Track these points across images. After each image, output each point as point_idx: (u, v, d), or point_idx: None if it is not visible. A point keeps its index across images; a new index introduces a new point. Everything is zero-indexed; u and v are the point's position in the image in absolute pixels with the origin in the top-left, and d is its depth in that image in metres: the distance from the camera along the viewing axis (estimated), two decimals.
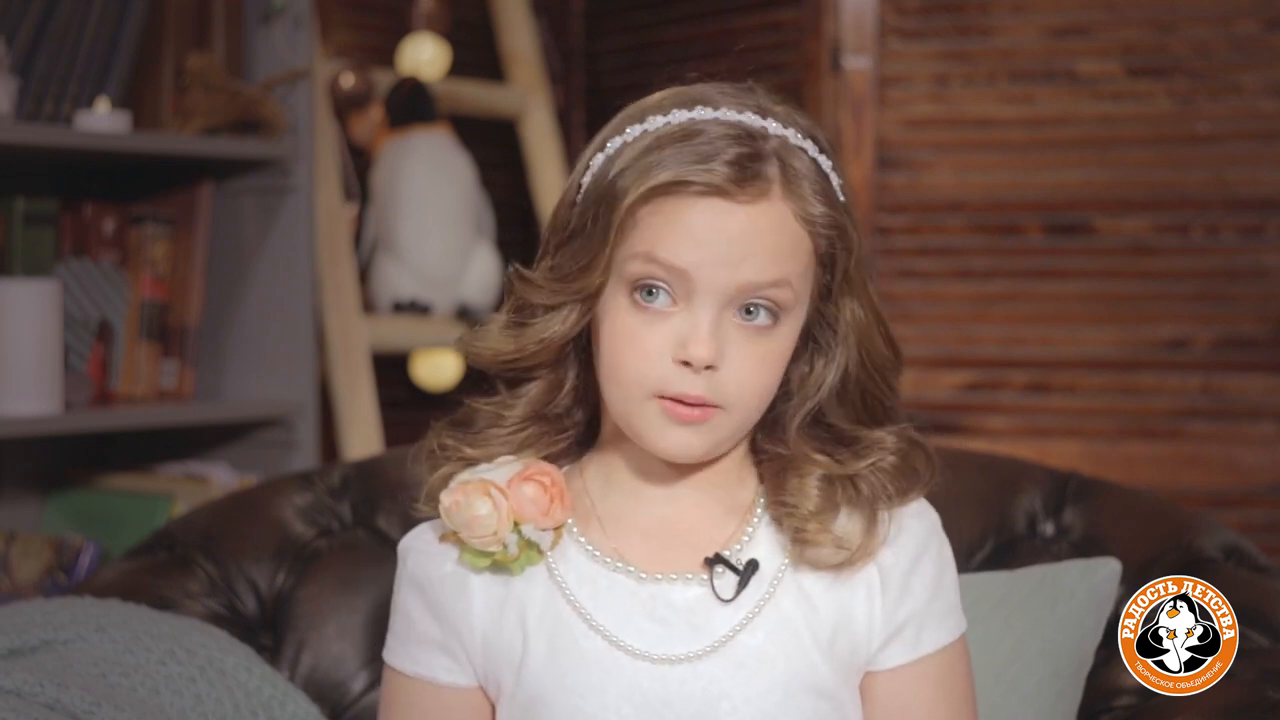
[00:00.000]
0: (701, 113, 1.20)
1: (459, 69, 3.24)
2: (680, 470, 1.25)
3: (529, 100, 3.28)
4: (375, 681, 1.69)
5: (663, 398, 1.19)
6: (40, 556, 2.21)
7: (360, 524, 1.77)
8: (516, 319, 1.25)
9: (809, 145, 1.22)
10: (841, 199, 1.23)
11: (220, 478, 2.39)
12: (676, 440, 1.21)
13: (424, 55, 3.16)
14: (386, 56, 3.17)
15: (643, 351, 1.19)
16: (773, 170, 1.19)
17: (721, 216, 1.18)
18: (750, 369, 1.20)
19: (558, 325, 1.23)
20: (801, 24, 2.99)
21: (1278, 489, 2.76)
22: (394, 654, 1.30)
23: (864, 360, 1.24)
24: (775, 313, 1.20)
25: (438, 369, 3.15)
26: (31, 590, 2.19)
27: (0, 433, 2.17)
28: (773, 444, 1.27)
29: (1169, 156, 2.82)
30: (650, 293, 1.20)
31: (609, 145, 1.22)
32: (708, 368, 1.18)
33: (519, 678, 1.24)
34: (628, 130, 1.22)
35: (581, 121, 3.41)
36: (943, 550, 1.28)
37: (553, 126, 3.29)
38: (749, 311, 1.20)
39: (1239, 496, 2.77)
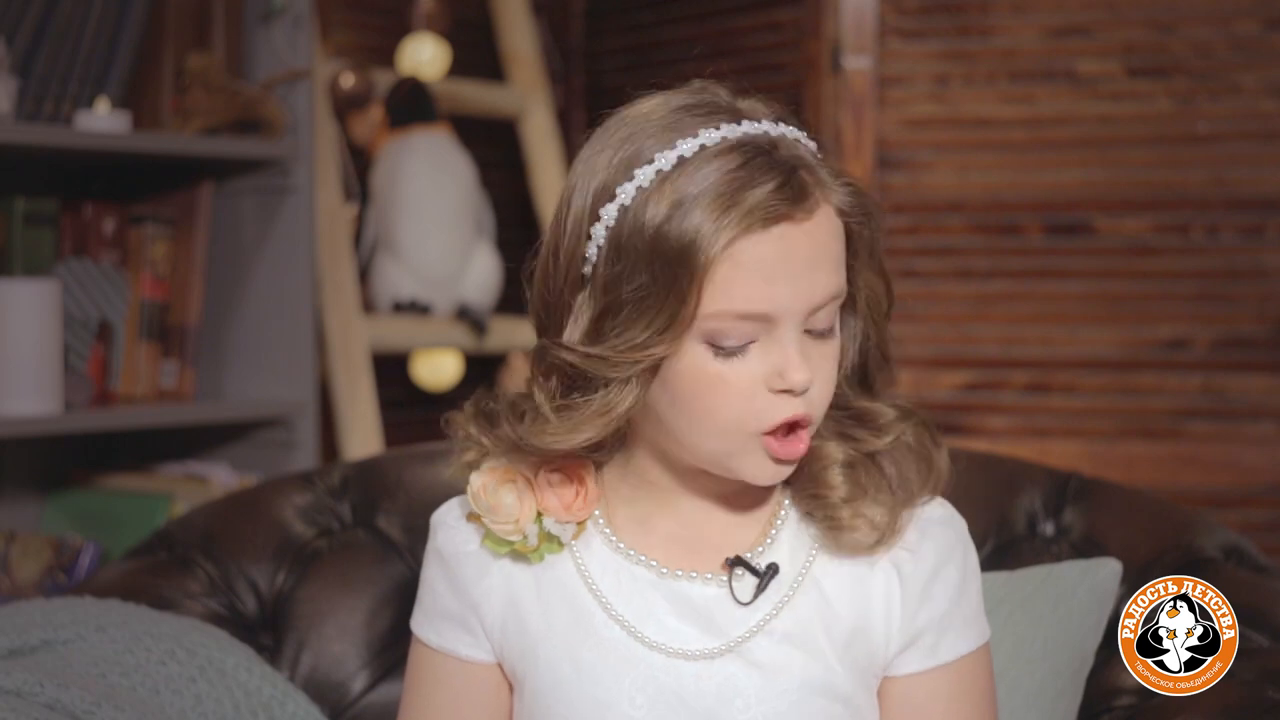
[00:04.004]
0: (749, 127, 1.16)
1: (459, 69, 3.24)
2: (711, 476, 1.24)
3: (529, 100, 3.28)
4: (375, 681, 1.69)
5: (766, 435, 1.18)
6: (40, 556, 2.21)
7: (360, 524, 1.77)
8: (565, 401, 1.19)
9: (803, 137, 1.20)
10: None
11: (220, 478, 2.39)
12: (777, 473, 1.20)
13: (424, 55, 3.17)
14: (386, 56, 3.17)
15: (737, 393, 1.17)
16: (809, 177, 1.16)
17: (790, 244, 1.14)
18: (827, 376, 1.19)
19: (630, 397, 1.18)
20: (801, 24, 2.99)
21: (1278, 489, 2.76)
22: (419, 624, 1.31)
23: (870, 325, 1.24)
24: (834, 317, 1.20)
25: (438, 369, 3.15)
26: (31, 590, 2.19)
27: (0, 433, 2.17)
28: None
29: (1169, 156, 2.82)
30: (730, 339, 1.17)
31: (638, 175, 1.15)
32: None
33: (536, 661, 1.25)
34: (658, 158, 1.15)
35: (581, 121, 3.41)
36: (968, 558, 1.28)
37: (553, 126, 3.29)
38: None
39: (1239, 496, 2.77)
